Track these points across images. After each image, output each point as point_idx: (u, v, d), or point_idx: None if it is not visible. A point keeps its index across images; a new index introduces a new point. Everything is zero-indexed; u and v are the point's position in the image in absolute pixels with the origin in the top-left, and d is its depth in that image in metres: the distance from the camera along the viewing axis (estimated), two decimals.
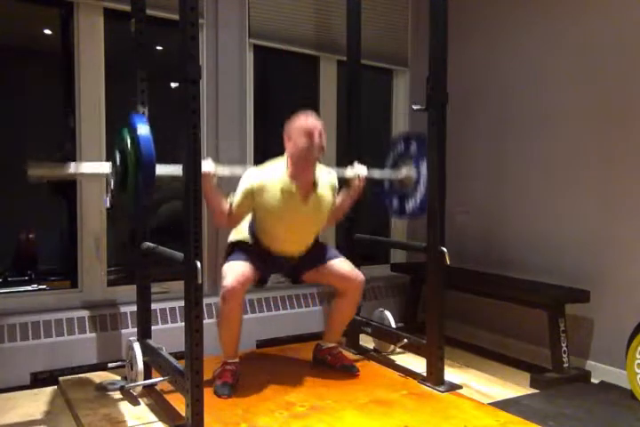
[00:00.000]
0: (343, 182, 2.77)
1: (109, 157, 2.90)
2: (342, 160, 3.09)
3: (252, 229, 2.63)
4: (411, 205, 2.85)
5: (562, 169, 3.05)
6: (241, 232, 2.66)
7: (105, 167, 2.16)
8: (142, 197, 2.00)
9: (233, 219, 2.53)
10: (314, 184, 2.52)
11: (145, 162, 1.94)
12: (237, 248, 2.60)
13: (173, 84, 3.12)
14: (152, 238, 2.50)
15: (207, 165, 2.33)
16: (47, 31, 3.05)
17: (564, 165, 3.04)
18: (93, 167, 2.27)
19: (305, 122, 2.44)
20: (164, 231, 3.07)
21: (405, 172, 2.88)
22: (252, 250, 2.58)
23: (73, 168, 2.19)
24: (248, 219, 2.63)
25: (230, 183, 2.54)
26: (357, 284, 2.66)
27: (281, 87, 3.69)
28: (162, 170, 2.11)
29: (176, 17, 2.00)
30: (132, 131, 1.99)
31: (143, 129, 1.97)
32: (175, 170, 2.15)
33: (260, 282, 2.65)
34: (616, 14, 2.80)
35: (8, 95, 2.87)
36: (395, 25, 3.83)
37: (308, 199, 2.51)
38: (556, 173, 3.08)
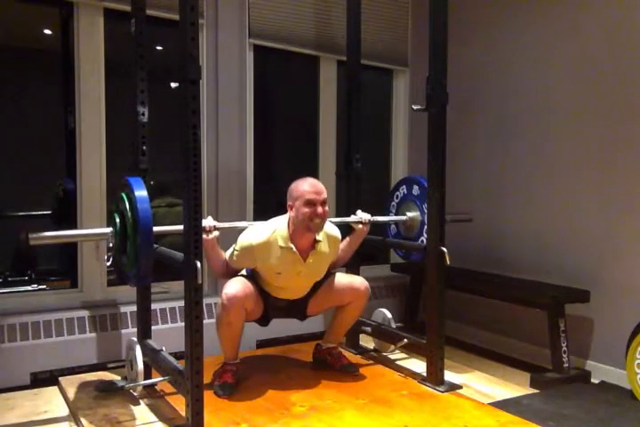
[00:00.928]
0: (346, 228, 2.78)
1: (110, 158, 2.94)
2: (343, 160, 3.08)
3: (250, 273, 2.59)
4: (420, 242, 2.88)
5: (562, 169, 3.05)
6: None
7: (104, 230, 2.24)
8: (142, 259, 2.06)
9: (230, 273, 2.53)
10: (315, 243, 2.51)
11: (143, 227, 2.03)
12: (237, 278, 2.55)
13: (173, 84, 3.12)
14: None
15: (207, 221, 2.36)
16: (47, 31, 3.05)
17: (564, 165, 3.04)
18: (94, 231, 2.34)
19: (308, 191, 2.39)
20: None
21: (409, 214, 2.94)
22: (254, 281, 2.54)
23: (74, 232, 2.36)
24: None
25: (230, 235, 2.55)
26: (364, 290, 2.65)
27: (281, 87, 3.69)
28: (160, 230, 2.27)
29: (176, 17, 2.00)
30: (130, 195, 2.09)
31: (140, 193, 2.07)
32: (173, 229, 2.30)
33: (262, 320, 2.63)
34: (616, 14, 2.80)
35: (8, 95, 2.87)
36: (395, 25, 3.83)
37: (307, 258, 2.49)
38: (557, 173, 3.08)
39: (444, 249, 2.52)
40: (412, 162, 3.97)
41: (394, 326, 3.03)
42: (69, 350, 2.71)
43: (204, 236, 2.31)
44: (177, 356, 2.34)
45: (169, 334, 2.82)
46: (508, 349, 3.28)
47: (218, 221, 2.42)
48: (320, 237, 2.51)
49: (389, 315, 3.08)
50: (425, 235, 2.75)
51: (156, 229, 2.13)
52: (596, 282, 2.85)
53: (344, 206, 3.14)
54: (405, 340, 2.76)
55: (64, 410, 2.39)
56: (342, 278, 2.67)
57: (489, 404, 2.42)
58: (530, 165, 3.22)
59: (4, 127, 2.84)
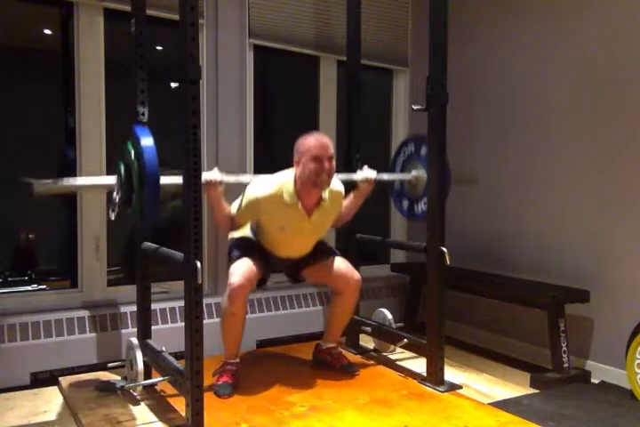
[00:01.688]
0: (351, 185, 2.77)
1: (110, 158, 2.93)
2: (343, 160, 3.09)
3: (254, 232, 2.64)
4: (421, 207, 2.85)
5: (562, 169, 3.05)
6: (244, 231, 2.66)
7: (110, 179, 2.18)
8: (148, 211, 1.99)
9: (235, 226, 2.54)
10: (320, 200, 2.52)
11: (149, 175, 1.94)
12: (240, 244, 2.60)
13: (173, 84, 3.12)
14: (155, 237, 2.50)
15: (213, 174, 2.34)
16: (47, 31, 3.05)
17: (564, 165, 3.04)
18: (98, 180, 2.29)
19: (315, 146, 2.40)
20: (165, 231, 3.08)
21: (415, 173, 2.88)
22: (255, 247, 2.58)
23: (78, 182, 2.22)
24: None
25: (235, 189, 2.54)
26: (354, 283, 2.66)
27: (281, 87, 3.69)
28: (167, 181, 2.13)
29: (176, 17, 2.00)
30: (136, 143, 2.00)
31: (147, 141, 1.97)
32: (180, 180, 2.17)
33: (259, 282, 2.64)
34: (616, 15, 2.80)
35: (8, 95, 2.87)
36: (395, 25, 3.83)
37: (312, 215, 2.51)
38: (556, 173, 3.08)
39: (444, 249, 2.52)
40: None
41: (394, 326, 3.03)
42: (69, 350, 2.71)
43: (209, 189, 2.32)
44: (177, 356, 2.34)
45: (169, 334, 2.82)
46: (508, 349, 3.28)
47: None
48: (326, 194, 2.52)
49: (389, 315, 3.08)
50: None
51: (162, 179, 2.02)
52: (595, 282, 2.85)
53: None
54: (405, 340, 2.76)
55: (64, 410, 2.39)
56: (341, 264, 2.69)
57: (489, 404, 2.42)
58: (529, 164, 3.22)
59: (3, 127, 2.83)
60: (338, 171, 2.56)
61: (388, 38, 3.80)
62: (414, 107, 2.65)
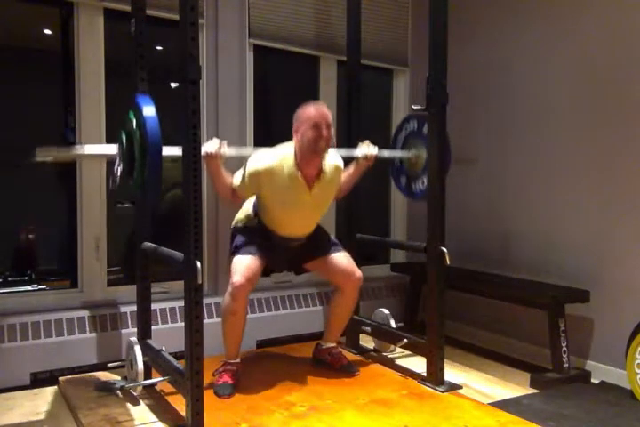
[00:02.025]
0: (350, 160, 2.78)
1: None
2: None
3: (256, 209, 2.63)
4: (420, 185, 2.84)
5: (562, 169, 3.05)
6: (245, 211, 2.66)
7: (111, 148, 2.15)
8: (150, 181, 1.95)
9: (236, 199, 2.55)
10: (320, 172, 2.53)
11: (151, 145, 1.89)
12: (242, 235, 2.58)
13: (173, 84, 3.12)
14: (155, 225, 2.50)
15: (213, 145, 2.33)
16: (47, 31, 3.04)
17: (564, 165, 3.04)
18: (99, 149, 2.26)
19: (313, 114, 2.42)
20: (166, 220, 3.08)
21: (415, 151, 2.88)
22: (257, 235, 2.56)
23: (79, 150, 2.20)
24: (252, 199, 2.65)
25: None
26: (355, 280, 2.66)
27: (281, 87, 3.69)
28: (170, 152, 2.10)
29: (176, 17, 2.00)
30: (138, 112, 1.96)
31: (149, 110, 1.93)
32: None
33: (264, 273, 2.65)
34: (616, 15, 2.80)
35: (8, 95, 2.87)
36: (395, 25, 3.83)
37: (312, 188, 2.51)
38: (557, 173, 3.08)
39: (444, 249, 2.52)
40: None
41: (394, 325, 3.03)
42: (69, 350, 2.71)
43: (209, 161, 2.33)
44: (177, 356, 2.34)
45: (169, 334, 2.82)
46: (508, 349, 3.27)
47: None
48: (325, 167, 2.53)
49: (389, 315, 3.08)
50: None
51: (165, 150, 1.98)
52: (595, 282, 2.85)
53: (343, 206, 3.15)
54: (405, 340, 2.76)
55: (64, 410, 2.39)
56: (344, 259, 2.69)
57: (489, 404, 2.42)
58: (530, 164, 3.22)
59: (3, 127, 2.83)
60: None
61: (388, 38, 3.80)
62: (414, 107, 2.65)
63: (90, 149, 2.32)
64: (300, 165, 2.47)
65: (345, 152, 2.76)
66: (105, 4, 2.86)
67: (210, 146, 2.33)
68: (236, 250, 2.54)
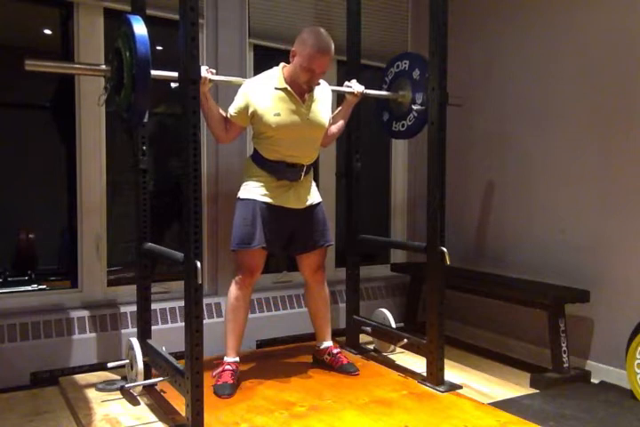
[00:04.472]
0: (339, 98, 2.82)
1: (110, 159, 2.92)
2: (343, 160, 3.08)
3: (258, 156, 2.58)
4: (400, 126, 2.92)
5: (562, 169, 3.05)
6: (249, 168, 2.62)
7: (101, 66, 2.17)
8: (138, 97, 1.93)
9: (231, 134, 2.57)
10: (310, 90, 2.56)
11: (140, 58, 1.89)
12: (245, 210, 2.54)
13: (173, 84, 3.11)
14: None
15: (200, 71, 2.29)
16: (47, 31, 3.04)
17: (563, 165, 3.04)
18: (90, 66, 2.27)
19: (317, 57, 2.41)
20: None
21: (402, 91, 2.92)
22: (258, 208, 2.52)
23: (70, 64, 2.29)
24: (251, 156, 2.64)
25: None
26: (318, 277, 2.74)
27: None
28: (158, 73, 2.11)
29: (176, 17, 2.00)
30: (128, 29, 1.95)
31: (139, 28, 1.93)
32: (170, 74, 2.16)
33: (271, 254, 2.68)
34: (617, 15, 2.80)
35: (8, 95, 2.87)
36: (395, 25, 3.83)
37: (305, 100, 2.54)
38: (556, 173, 3.08)
39: (444, 249, 2.52)
40: (411, 162, 3.97)
41: (394, 325, 3.03)
42: (69, 350, 2.71)
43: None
44: (177, 356, 2.34)
45: (169, 334, 2.82)
46: (508, 349, 3.28)
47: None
48: (314, 87, 2.58)
49: (389, 315, 3.08)
50: (414, 113, 2.81)
51: (153, 72, 1.99)
52: (595, 282, 2.85)
53: (344, 206, 3.15)
54: (405, 340, 2.76)
55: (64, 410, 2.39)
56: (317, 256, 2.71)
57: (489, 404, 2.42)
58: (530, 165, 3.22)
59: (2, 128, 2.84)
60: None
61: (388, 38, 3.80)
62: (414, 107, 2.65)
63: (81, 64, 2.42)
64: (287, 81, 2.52)
65: (333, 88, 2.79)
66: (105, 4, 2.87)
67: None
68: (240, 243, 2.52)
